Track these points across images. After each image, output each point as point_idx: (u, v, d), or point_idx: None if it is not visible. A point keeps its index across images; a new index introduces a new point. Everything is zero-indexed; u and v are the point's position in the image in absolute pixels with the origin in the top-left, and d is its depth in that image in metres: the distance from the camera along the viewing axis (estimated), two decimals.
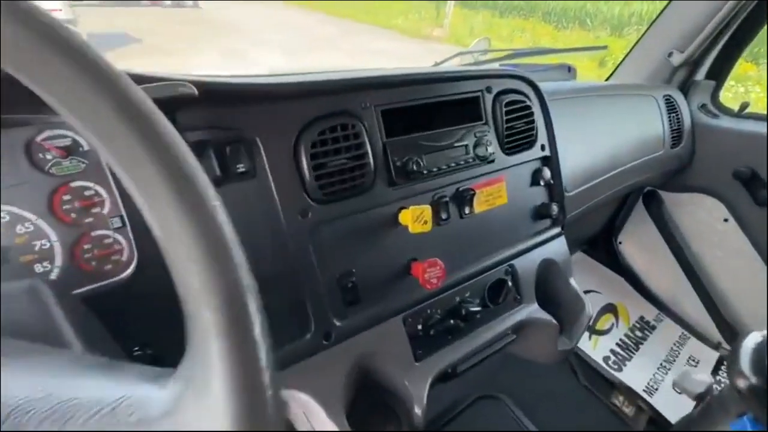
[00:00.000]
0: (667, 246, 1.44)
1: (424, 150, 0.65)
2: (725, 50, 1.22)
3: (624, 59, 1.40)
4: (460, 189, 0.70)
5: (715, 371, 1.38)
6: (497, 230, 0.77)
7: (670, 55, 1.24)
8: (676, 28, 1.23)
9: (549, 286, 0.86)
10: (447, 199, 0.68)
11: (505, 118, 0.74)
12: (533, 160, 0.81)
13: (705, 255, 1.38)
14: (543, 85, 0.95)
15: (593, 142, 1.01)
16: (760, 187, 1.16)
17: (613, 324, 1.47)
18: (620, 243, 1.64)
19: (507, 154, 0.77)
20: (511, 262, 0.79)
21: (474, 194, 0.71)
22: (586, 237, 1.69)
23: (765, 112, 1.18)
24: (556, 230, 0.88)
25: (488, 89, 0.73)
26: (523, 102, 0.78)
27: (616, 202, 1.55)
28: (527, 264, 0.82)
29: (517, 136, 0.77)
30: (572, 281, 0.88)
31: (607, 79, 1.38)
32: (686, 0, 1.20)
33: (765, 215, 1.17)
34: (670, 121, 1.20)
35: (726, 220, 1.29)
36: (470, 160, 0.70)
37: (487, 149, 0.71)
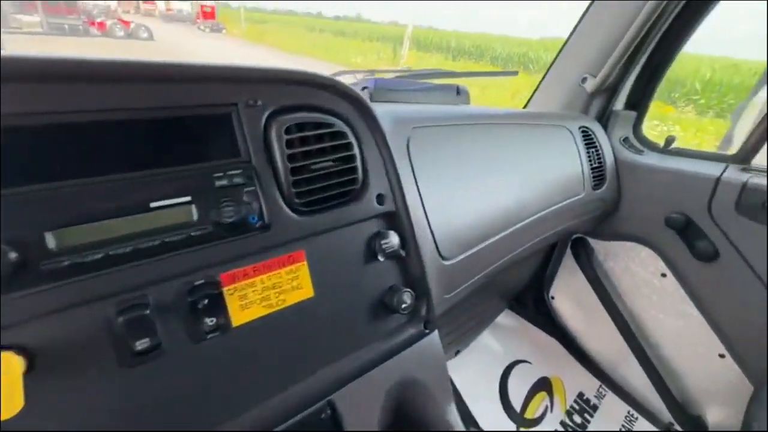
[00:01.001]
0: (599, 303, 1.19)
1: (90, 213, 0.33)
2: (642, 76, 1.04)
3: (538, 85, 1.20)
4: (196, 284, 0.38)
5: None
6: (292, 348, 0.45)
7: (583, 80, 1.05)
8: (588, 51, 1.04)
9: (410, 422, 0.54)
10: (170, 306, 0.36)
11: (287, 152, 0.43)
12: (362, 220, 0.51)
13: (644, 315, 1.14)
14: (419, 109, 0.69)
15: (493, 185, 0.74)
16: (698, 237, 0.94)
17: (546, 407, 1.17)
18: (552, 298, 1.38)
19: (303, 213, 0.46)
20: (330, 397, 0.47)
21: (220, 293, 0.39)
22: (513, 291, 1.43)
23: (694, 148, 0.99)
24: (416, 329, 0.58)
25: (251, 103, 0.42)
26: (328, 125, 0.47)
27: (543, 251, 1.30)
28: (365, 393, 0.50)
29: (321, 183, 0.47)
30: (451, 410, 0.56)
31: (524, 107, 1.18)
32: (595, 19, 1.03)
33: (708, 272, 0.95)
34: (589, 156, 0.98)
35: (664, 275, 1.06)
36: (204, 231, 0.39)
37: (244, 210, 0.40)
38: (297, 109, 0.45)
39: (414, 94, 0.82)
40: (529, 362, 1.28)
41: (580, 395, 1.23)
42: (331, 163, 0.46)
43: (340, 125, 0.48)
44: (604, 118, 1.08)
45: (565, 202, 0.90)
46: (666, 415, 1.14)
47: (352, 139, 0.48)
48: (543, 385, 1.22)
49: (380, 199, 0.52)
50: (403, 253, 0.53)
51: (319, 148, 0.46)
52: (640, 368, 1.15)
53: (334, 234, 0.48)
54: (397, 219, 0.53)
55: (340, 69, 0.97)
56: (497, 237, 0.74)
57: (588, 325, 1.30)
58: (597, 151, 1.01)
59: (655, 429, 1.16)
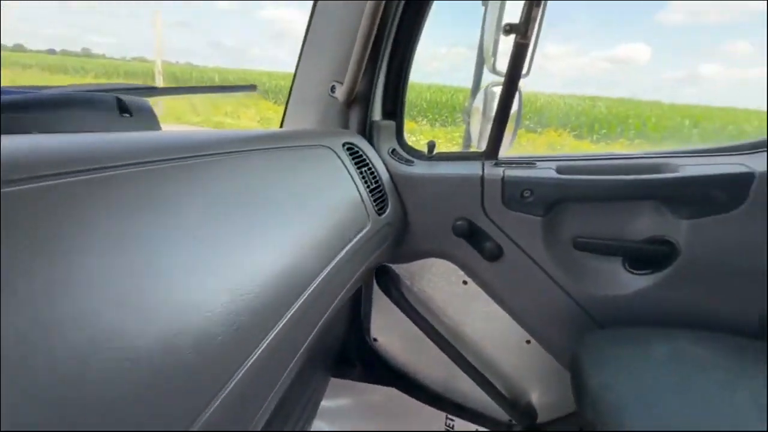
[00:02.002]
0: (419, 330, 1.07)
1: None
2: (390, 82, 0.95)
3: (288, 98, 0.97)
4: None
5: None
6: None
7: (333, 89, 0.87)
8: (328, 55, 0.88)
9: None
10: None
11: None
12: None
13: (461, 327, 1.08)
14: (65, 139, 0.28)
15: (240, 250, 0.42)
16: (483, 239, 0.91)
17: None
18: (375, 340, 1.18)
19: None
20: None
21: None
22: (332, 355, 1.15)
23: (456, 150, 0.97)
24: None
25: None
26: None
27: (350, 298, 1.08)
28: None
29: None
30: None
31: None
32: (325, 20, 0.87)
33: (499, 270, 0.93)
34: (363, 177, 0.80)
35: (465, 282, 1.01)
36: None
37: None
38: None
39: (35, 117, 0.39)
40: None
41: None
42: None
43: None
44: (367, 131, 0.94)
45: (351, 245, 0.67)
46: (505, 416, 1.11)
47: None
48: None
49: None
50: None
51: None
52: (471, 381, 1.08)
53: None
54: None
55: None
56: (282, 323, 0.43)
57: (416, 356, 1.16)
58: (370, 169, 0.84)
59: None
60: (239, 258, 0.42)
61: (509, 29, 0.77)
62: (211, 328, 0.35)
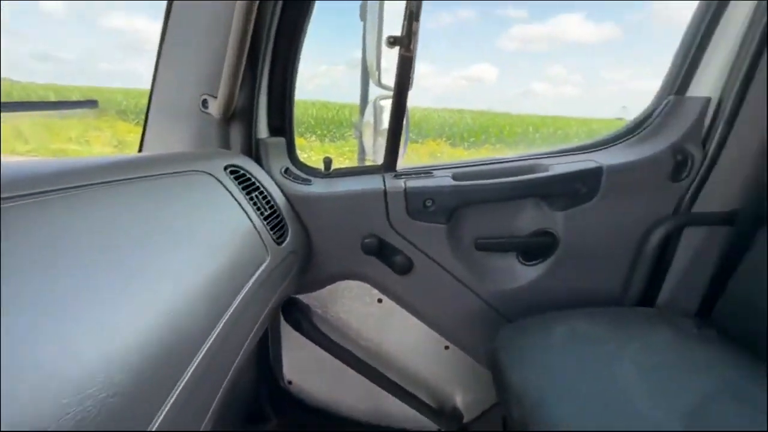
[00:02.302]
0: (337, 360, 0.99)
1: None
2: (274, 94, 0.86)
3: (147, 118, 0.79)
4: None
5: None
6: None
7: (204, 104, 0.74)
8: (194, 64, 0.74)
9: None
10: None
11: None
12: None
13: (383, 347, 1.03)
14: None
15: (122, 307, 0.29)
16: (393, 253, 0.88)
17: None
18: (290, 383, 1.05)
19: None
20: None
21: None
22: (245, 409, 0.98)
23: (353, 165, 0.92)
24: None
25: None
26: None
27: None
28: None
29: None
30: None
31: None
32: (184, 22, 0.74)
33: (412, 282, 0.91)
34: (255, 204, 0.69)
35: (380, 300, 0.97)
36: None
37: None
38: None
39: None
40: None
41: None
42: None
43: None
44: (253, 150, 0.83)
45: (250, 285, 0.56)
46: (434, 426, 1.10)
47: None
48: None
49: None
50: None
51: None
52: (396, 400, 1.04)
53: None
54: None
55: None
56: (176, 394, 0.33)
57: (336, 389, 1.07)
58: (262, 193, 0.74)
59: None
60: (104, 324, 0.31)
61: (393, 41, 0.76)
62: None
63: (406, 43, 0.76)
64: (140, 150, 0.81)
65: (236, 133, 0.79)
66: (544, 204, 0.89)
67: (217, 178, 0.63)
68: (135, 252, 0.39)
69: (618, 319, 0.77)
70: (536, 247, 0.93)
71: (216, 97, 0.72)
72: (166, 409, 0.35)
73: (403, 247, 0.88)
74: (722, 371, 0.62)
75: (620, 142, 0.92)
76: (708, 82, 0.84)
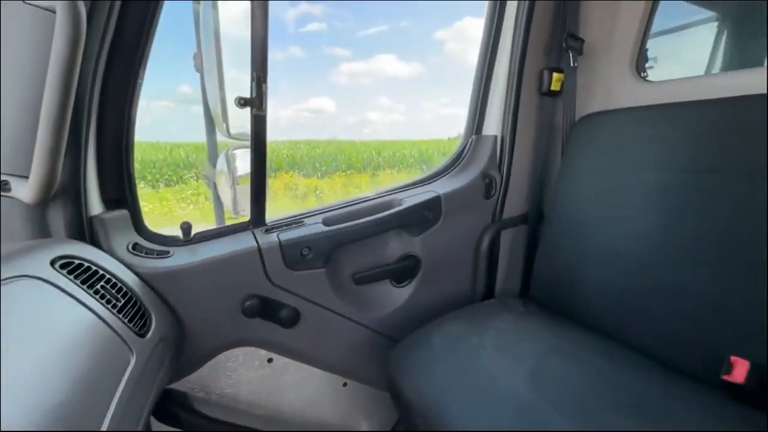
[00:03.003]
0: None
1: None
2: (107, 155, 0.73)
3: None
4: None
5: None
6: None
7: (4, 186, 0.59)
8: None
9: None
10: None
11: None
12: None
13: (279, 409, 0.98)
14: None
15: None
16: (278, 309, 0.86)
17: None
18: None
19: None
20: None
21: None
22: None
23: (202, 210, 0.87)
24: None
25: None
26: None
27: None
28: None
29: None
30: None
31: None
32: None
33: (301, 331, 0.91)
34: (101, 296, 0.58)
35: (270, 360, 0.93)
36: None
37: None
38: None
39: None
40: None
41: None
42: None
43: None
44: (86, 231, 0.69)
45: (116, 400, 0.47)
46: None
47: None
48: None
49: None
50: None
51: None
52: None
53: None
54: None
55: None
56: None
57: None
58: (109, 281, 0.62)
59: None
60: None
61: (244, 103, 0.78)
62: None
63: (257, 104, 0.78)
64: None
65: (56, 216, 0.65)
66: (404, 232, 1.04)
67: (44, 279, 0.50)
68: None
69: (473, 315, 0.96)
70: (404, 270, 1.06)
71: (24, 177, 0.58)
72: None
73: (287, 299, 0.87)
74: (548, 337, 0.85)
75: (447, 173, 1.15)
76: (493, 123, 1.15)
